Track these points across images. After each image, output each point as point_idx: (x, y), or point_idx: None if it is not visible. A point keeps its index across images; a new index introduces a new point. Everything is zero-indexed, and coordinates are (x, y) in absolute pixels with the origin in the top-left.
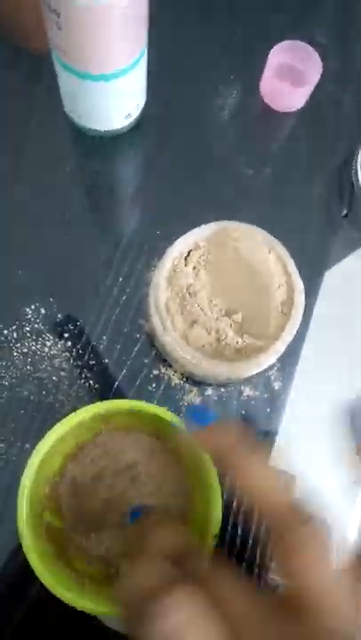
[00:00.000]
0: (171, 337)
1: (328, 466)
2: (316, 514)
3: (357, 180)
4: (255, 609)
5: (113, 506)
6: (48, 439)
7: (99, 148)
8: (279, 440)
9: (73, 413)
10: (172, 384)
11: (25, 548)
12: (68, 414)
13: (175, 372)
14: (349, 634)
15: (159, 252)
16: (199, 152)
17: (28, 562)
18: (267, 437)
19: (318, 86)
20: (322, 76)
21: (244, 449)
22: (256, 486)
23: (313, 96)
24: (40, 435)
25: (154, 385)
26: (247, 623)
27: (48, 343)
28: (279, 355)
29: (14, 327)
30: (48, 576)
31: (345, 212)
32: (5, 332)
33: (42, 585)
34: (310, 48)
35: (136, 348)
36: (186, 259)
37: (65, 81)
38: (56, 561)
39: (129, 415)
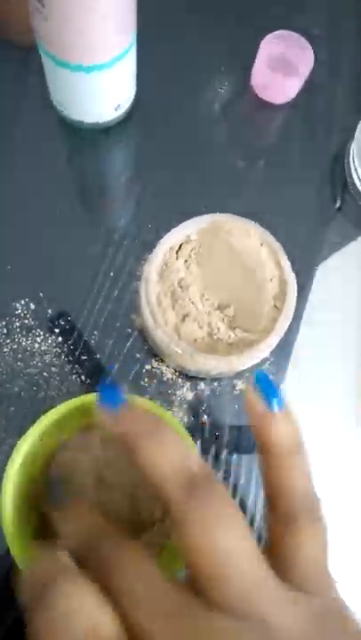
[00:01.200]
0: (162, 331)
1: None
2: (214, 488)
3: (350, 173)
4: (154, 601)
5: None
6: (26, 439)
7: (89, 140)
8: None
9: (50, 411)
10: (165, 379)
11: (12, 550)
12: None
13: (168, 366)
14: (249, 615)
15: (151, 246)
16: (190, 144)
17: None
18: None
19: (311, 78)
20: (314, 67)
21: (147, 432)
22: (151, 463)
23: (305, 88)
24: None
25: (146, 380)
26: (142, 616)
27: (38, 339)
28: (272, 348)
29: (4, 323)
30: None
31: (338, 204)
32: None
33: None
34: (303, 38)
35: (128, 343)
36: (177, 252)
37: (52, 73)
38: None
39: None
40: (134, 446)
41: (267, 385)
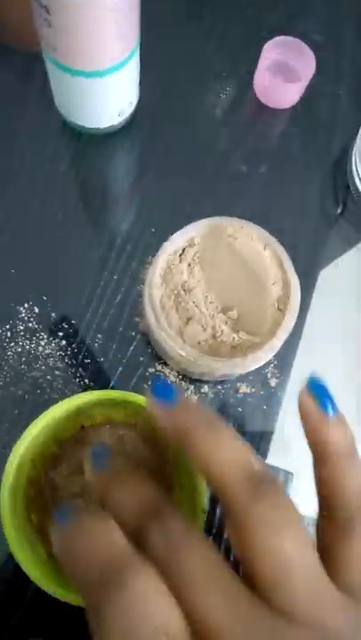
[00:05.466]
0: (166, 334)
1: None
2: (279, 490)
3: (352, 177)
4: (223, 593)
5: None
6: (23, 441)
7: (92, 145)
8: (276, 437)
9: (46, 411)
10: (168, 382)
11: (14, 553)
12: None
13: (171, 369)
14: (312, 622)
15: (154, 250)
16: (193, 149)
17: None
18: (263, 435)
19: (312, 83)
20: (315, 72)
21: (205, 427)
22: (212, 457)
23: (306, 92)
24: None
25: (150, 383)
26: (208, 606)
27: (42, 342)
28: (275, 351)
29: (8, 326)
30: (38, 574)
31: (340, 208)
32: None
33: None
34: (303, 44)
35: (131, 347)
36: (180, 256)
37: (56, 78)
38: (48, 561)
39: (109, 407)
40: (191, 441)
41: (321, 389)
